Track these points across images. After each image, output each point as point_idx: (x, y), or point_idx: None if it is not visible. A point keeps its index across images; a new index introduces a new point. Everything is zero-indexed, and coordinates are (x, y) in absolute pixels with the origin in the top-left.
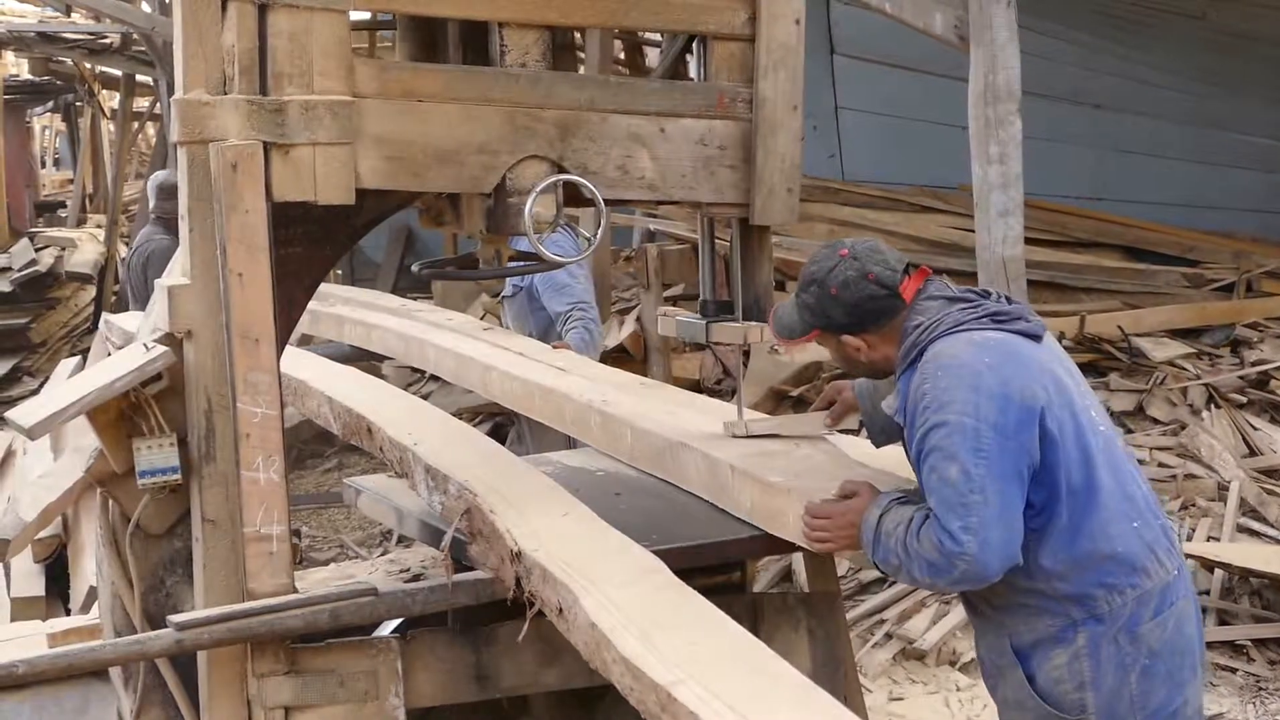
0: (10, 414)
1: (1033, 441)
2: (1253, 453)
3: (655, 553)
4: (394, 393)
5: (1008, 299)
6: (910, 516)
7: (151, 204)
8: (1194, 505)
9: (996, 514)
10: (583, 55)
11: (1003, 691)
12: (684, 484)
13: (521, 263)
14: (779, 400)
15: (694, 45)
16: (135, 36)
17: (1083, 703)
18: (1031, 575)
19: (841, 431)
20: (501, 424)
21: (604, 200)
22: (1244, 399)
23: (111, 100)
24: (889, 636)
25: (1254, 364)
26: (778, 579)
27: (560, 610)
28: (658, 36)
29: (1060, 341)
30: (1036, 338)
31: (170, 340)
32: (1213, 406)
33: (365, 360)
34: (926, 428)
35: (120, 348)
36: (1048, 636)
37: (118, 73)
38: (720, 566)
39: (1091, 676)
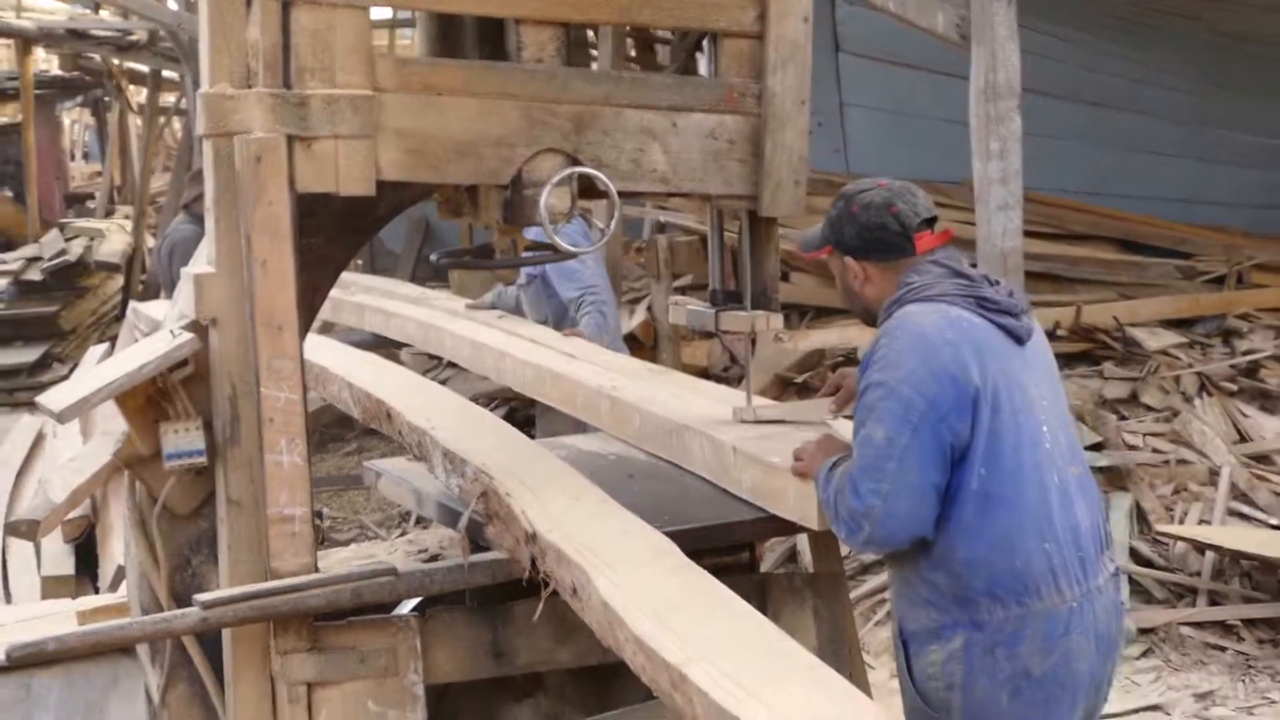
0: (41, 399)
1: (964, 426)
2: (1243, 439)
3: (666, 534)
4: (412, 378)
5: (1006, 289)
6: (846, 471)
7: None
8: (1186, 490)
9: (909, 484)
10: (595, 52)
11: (901, 676)
12: (689, 465)
13: (536, 252)
14: (784, 387)
15: (704, 42)
16: (162, 33)
17: (949, 703)
18: (928, 564)
19: (846, 418)
20: (516, 409)
21: (617, 192)
22: (1235, 387)
23: (139, 95)
24: (890, 615)
25: (1244, 353)
26: (784, 560)
27: (574, 590)
28: (669, 33)
29: (1056, 331)
30: (1019, 339)
31: (196, 327)
32: (1204, 394)
33: (385, 347)
34: (868, 382)
35: (147, 335)
36: (928, 630)
37: (145, 68)
38: (729, 548)
39: (961, 681)
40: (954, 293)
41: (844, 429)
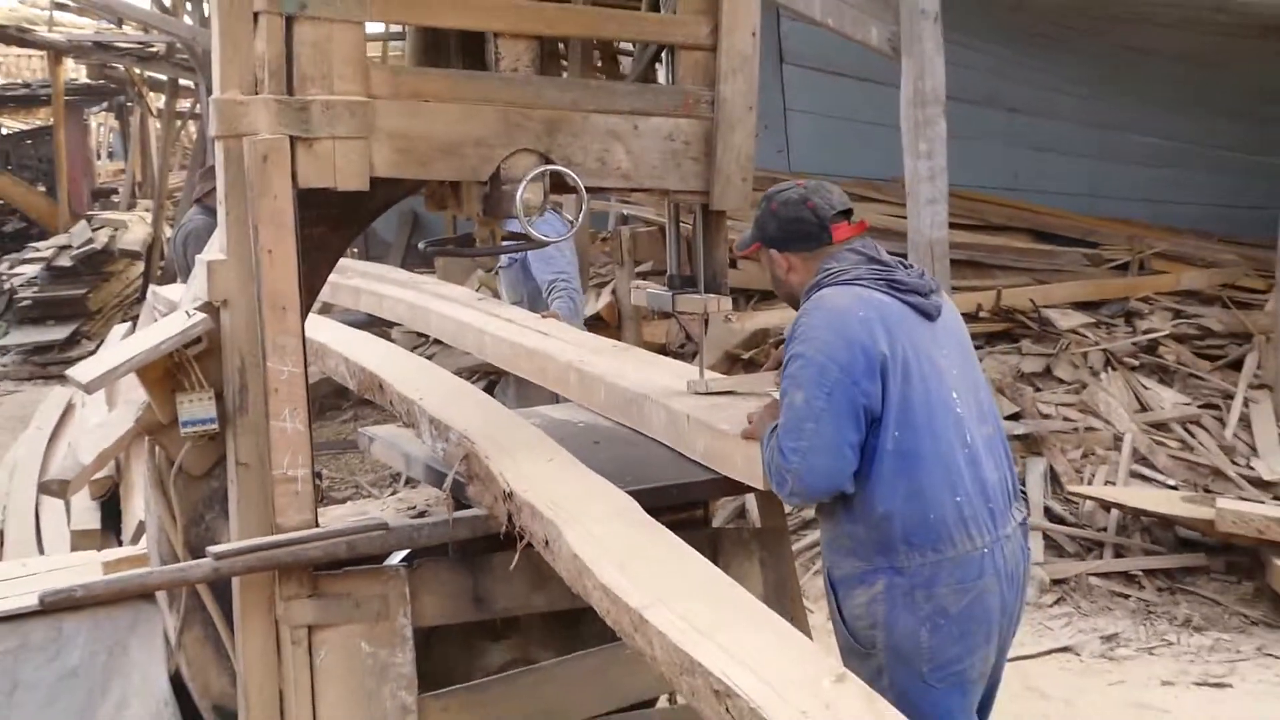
0: (70, 371)
1: (875, 389)
2: (1144, 409)
3: (629, 494)
4: (402, 354)
5: (918, 271)
6: (775, 432)
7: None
8: (1093, 454)
9: (826, 443)
10: (565, 62)
11: (832, 616)
12: (649, 432)
13: (513, 242)
14: (733, 362)
15: (663, 54)
16: (179, 45)
17: (875, 640)
18: (851, 518)
19: None
20: (494, 382)
21: (585, 188)
22: (1136, 362)
23: (158, 101)
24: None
25: (1145, 332)
26: (734, 516)
27: (546, 543)
28: (631, 45)
29: (979, 312)
30: (929, 315)
31: (209, 308)
32: (1110, 369)
33: (377, 326)
34: (790, 355)
35: (165, 315)
36: (854, 575)
37: (163, 77)
38: (684, 505)
39: (884, 619)
40: (867, 276)
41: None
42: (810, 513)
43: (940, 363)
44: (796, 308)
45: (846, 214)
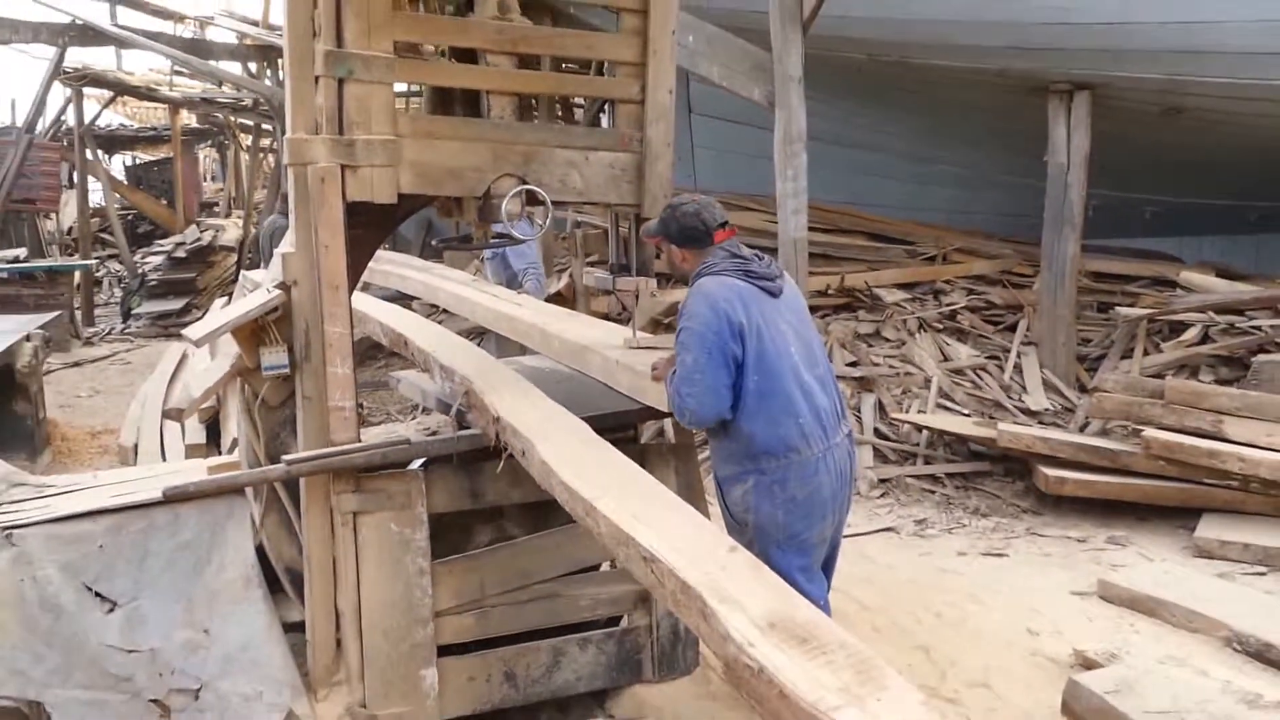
0: (184, 331)
1: (738, 347)
2: (946, 359)
3: (582, 419)
4: (420, 320)
5: (767, 263)
6: (675, 380)
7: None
8: (910, 391)
9: (709, 387)
10: (536, 111)
11: (719, 505)
12: (588, 372)
13: (499, 239)
14: (656, 326)
15: (606, 106)
16: (262, 100)
17: (747, 521)
18: (728, 437)
19: None
20: (480, 338)
21: (550, 202)
22: (941, 326)
23: (247, 139)
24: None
25: (947, 305)
26: (656, 435)
27: (523, 453)
28: (584, 100)
29: (828, 290)
30: (774, 294)
31: (283, 287)
32: (922, 330)
33: (402, 300)
34: (681, 326)
35: (251, 292)
36: (732, 476)
37: (250, 122)
38: (620, 427)
39: (753, 505)
40: (730, 269)
41: None
42: (711, 453)
43: (781, 326)
44: (687, 283)
45: (724, 223)
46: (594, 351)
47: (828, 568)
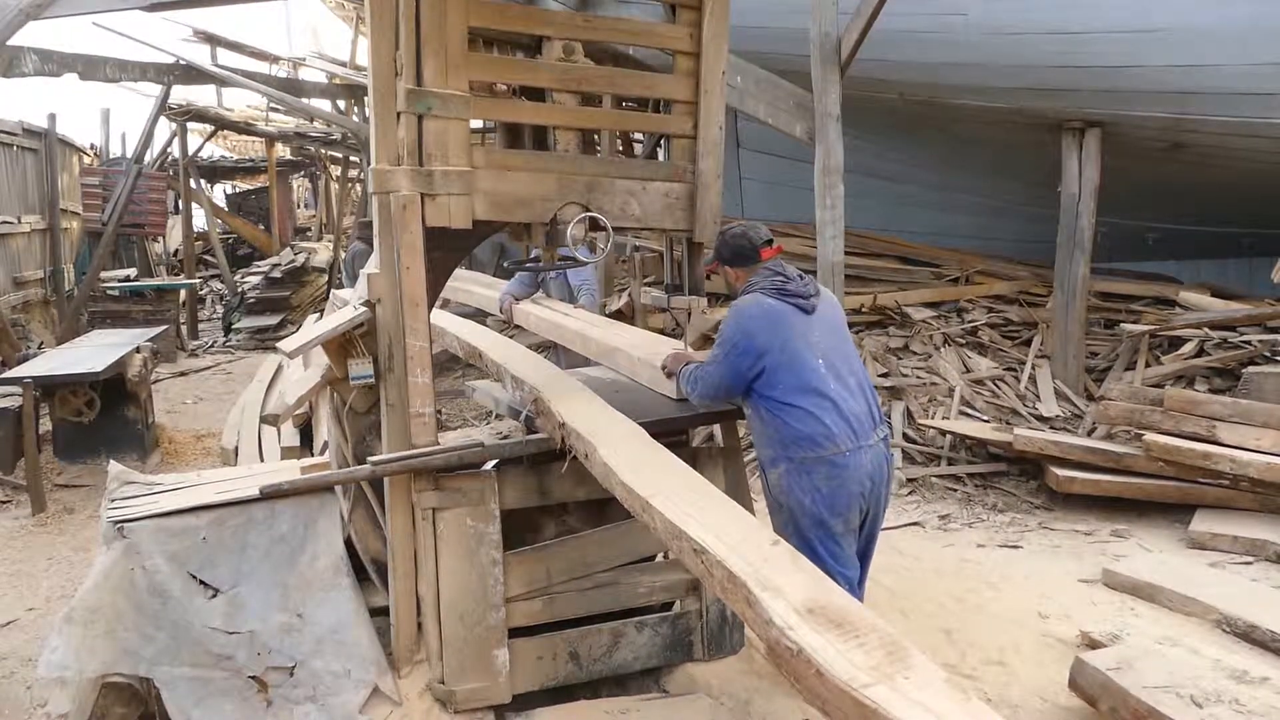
0: (280, 344)
1: (752, 364)
2: (968, 371)
3: (639, 424)
4: (493, 334)
5: (806, 282)
6: (695, 365)
7: (358, 233)
8: (935, 400)
9: (716, 383)
10: (599, 145)
11: (762, 484)
12: (616, 369)
13: (564, 261)
14: (706, 341)
15: (663, 140)
16: (350, 134)
17: (782, 501)
18: (765, 433)
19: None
20: (550, 352)
21: (611, 228)
22: (963, 341)
23: (336, 170)
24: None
25: (969, 322)
26: (705, 439)
27: (586, 456)
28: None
29: (862, 309)
30: (807, 310)
31: (369, 304)
32: (946, 345)
33: (478, 316)
34: (720, 330)
35: (340, 309)
36: (769, 460)
37: (339, 154)
38: (673, 432)
39: (787, 488)
40: (769, 287)
41: (695, 356)
42: (753, 438)
43: (812, 340)
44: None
45: (769, 242)
46: (621, 351)
47: (864, 559)
